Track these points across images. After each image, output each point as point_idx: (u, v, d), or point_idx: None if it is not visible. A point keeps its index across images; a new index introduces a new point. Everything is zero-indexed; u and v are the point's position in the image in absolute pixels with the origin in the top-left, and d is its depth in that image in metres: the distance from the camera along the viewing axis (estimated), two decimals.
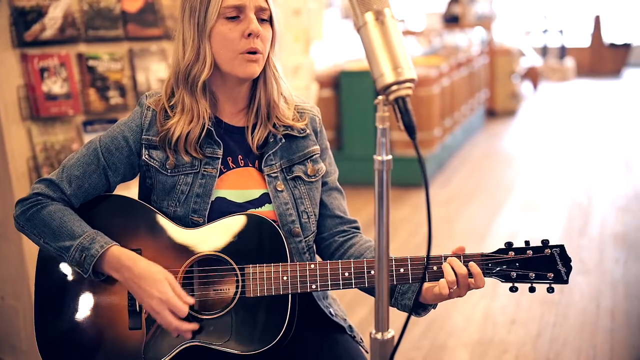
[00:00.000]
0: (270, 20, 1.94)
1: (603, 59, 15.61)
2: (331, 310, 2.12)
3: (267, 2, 1.92)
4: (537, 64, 13.56)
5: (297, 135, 2.04)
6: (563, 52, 15.06)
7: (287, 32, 5.32)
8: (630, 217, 5.98)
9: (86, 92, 3.29)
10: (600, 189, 6.85)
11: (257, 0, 1.89)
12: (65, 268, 1.95)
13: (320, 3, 6.16)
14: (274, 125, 2.01)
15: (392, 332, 1.39)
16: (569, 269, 1.84)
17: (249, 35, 1.87)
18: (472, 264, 1.83)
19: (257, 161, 2.02)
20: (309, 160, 2.05)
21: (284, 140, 2.02)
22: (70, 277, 1.95)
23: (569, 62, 14.94)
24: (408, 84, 1.30)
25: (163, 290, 1.82)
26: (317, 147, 2.08)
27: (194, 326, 1.86)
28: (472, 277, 1.83)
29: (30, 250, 3.05)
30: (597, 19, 15.61)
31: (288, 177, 2.01)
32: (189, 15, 1.91)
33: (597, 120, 10.43)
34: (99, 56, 3.32)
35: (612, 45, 15.67)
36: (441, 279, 1.83)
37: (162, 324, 1.85)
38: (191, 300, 1.85)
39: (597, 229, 5.69)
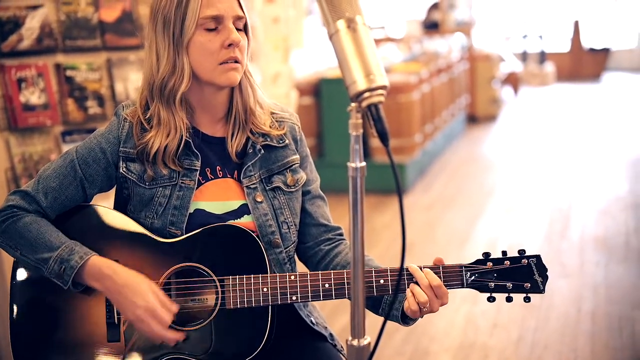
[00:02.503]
0: (244, 29, 1.94)
1: (582, 64, 15.70)
2: (312, 318, 2.12)
3: (242, 10, 1.91)
4: (517, 69, 13.62)
5: (277, 145, 2.03)
6: (543, 57, 15.14)
7: (266, 40, 5.33)
8: (611, 220, 6.01)
9: (64, 103, 3.27)
10: (581, 193, 6.89)
11: (234, 9, 1.88)
12: (41, 280, 1.92)
13: (300, 11, 6.18)
14: (252, 132, 2.01)
15: (368, 339, 1.40)
16: (545, 278, 1.87)
17: (229, 45, 1.87)
18: (427, 271, 1.84)
19: (235, 171, 2.01)
20: (288, 170, 2.04)
21: (263, 152, 2.01)
22: (46, 290, 1.92)
23: (549, 67, 15.02)
24: (380, 91, 1.31)
25: (148, 300, 1.81)
26: (297, 156, 2.07)
27: (179, 335, 1.85)
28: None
29: (9, 259, 3.02)
30: (576, 24, 15.71)
31: (267, 188, 2.01)
32: (162, 27, 1.88)
33: (577, 124, 10.49)
34: (77, 66, 3.31)
35: (592, 50, 15.76)
36: (410, 297, 1.84)
37: (146, 332, 1.83)
38: (175, 309, 1.84)
39: (577, 233, 5.72)
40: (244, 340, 1.87)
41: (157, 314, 1.81)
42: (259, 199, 1.98)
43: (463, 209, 6.57)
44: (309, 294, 1.87)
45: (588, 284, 4.67)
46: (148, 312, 1.80)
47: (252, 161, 1.99)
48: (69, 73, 3.29)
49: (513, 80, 13.27)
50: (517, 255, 1.87)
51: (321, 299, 1.88)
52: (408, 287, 1.85)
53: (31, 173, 3.12)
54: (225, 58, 1.87)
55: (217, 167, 1.99)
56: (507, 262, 1.87)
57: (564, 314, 4.24)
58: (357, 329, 1.38)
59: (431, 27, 11.46)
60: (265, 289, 1.86)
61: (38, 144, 3.19)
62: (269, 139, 2.02)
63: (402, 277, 1.85)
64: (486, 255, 1.89)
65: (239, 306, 1.86)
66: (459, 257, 5.02)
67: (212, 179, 1.99)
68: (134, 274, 1.85)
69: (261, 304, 1.86)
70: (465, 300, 4.37)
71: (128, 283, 1.83)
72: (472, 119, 11.03)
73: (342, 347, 2.15)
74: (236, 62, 1.89)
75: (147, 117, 1.95)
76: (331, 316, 4.05)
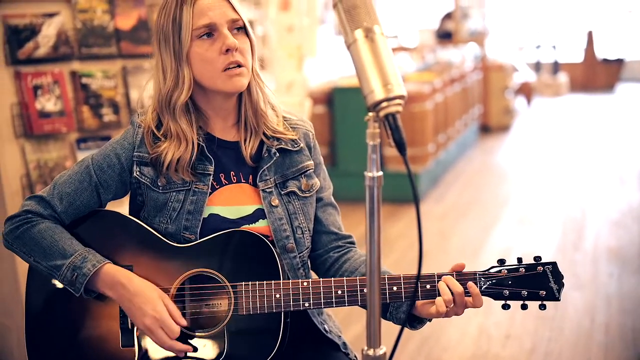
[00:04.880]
0: (245, 29, 1.94)
1: (596, 74, 15.66)
2: (326, 326, 2.11)
3: (237, 12, 1.91)
4: (531, 80, 13.60)
5: (291, 149, 2.03)
6: (556, 67, 15.10)
7: (281, 48, 5.34)
8: (624, 231, 5.98)
9: (79, 110, 3.29)
10: (594, 204, 6.87)
11: (226, 14, 1.89)
12: (56, 286, 1.94)
13: (314, 20, 6.19)
14: (265, 135, 2.01)
15: (384, 349, 1.39)
16: (561, 286, 1.84)
17: (227, 51, 1.88)
18: (470, 285, 1.83)
19: (250, 176, 2.01)
20: (302, 176, 2.05)
21: (278, 155, 2.02)
22: (60, 295, 1.94)
23: (562, 78, 14.99)
24: (398, 101, 1.31)
25: (158, 310, 1.82)
26: (311, 162, 2.07)
27: (186, 347, 1.86)
28: (469, 296, 1.84)
29: (24, 268, 3.02)
30: (590, 34, 15.67)
31: (282, 192, 2.01)
32: (164, 44, 1.91)
33: (591, 135, 10.45)
34: (93, 74, 3.33)
35: (605, 61, 15.72)
36: (438, 298, 1.83)
37: (155, 341, 1.85)
38: (184, 322, 1.86)
39: (591, 244, 5.70)
40: (256, 346, 1.88)
41: (165, 324, 1.82)
42: (274, 203, 1.99)
43: (476, 219, 6.56)
44: (322, 301, 1.87)
45: (601, 295, 4.65)
46: (157, 321, 1.82)
47: (268, 165, 2.00)
48: (84, 80, 3.30)
49: (526, 91, 13.26)
50: (533, 262, 1.86)
51: (334, 305, 1.88)
52: (421, 294, 1.85)
53: (46, 180, 3.13)
54: (226, 64, 1.88)
55: (232, 172, 2.00)
56: (522, 269, 1.85)
57: (577, 325, 4.22)
58: (372, 338, 1.38)
59: (444, 36, 11.47)
60: (277, 296, 1.87)
61: (53, 151, 3.20)
62: (283, 143, 2.02)
63: (423, 285, 1.85)
64: (501, 262, 1.88)
65: (251, 312, 1.87)
66: (472, 267, 4.95)
67: (226, 184, 1.99)
68: (147, 283, 1.87)
69: (274, 310, 1.87)
70: (477, 311, 4.35)
71: (139, 292, 1.84)
72: (485, 129, 11.02)
73: (355, 356, 2.15)
74: (239, 66, 1.90)
75: (161, 132, 1.96)
76: (343, 325, 4.03)
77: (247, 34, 1.95)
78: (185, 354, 1.87)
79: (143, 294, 1.84)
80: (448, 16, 11.70)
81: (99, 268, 1.86)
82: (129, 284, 1.85)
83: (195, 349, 1.88)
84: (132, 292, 1.84)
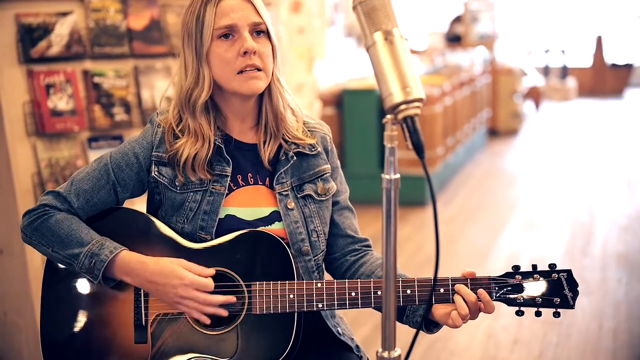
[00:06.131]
0: (267, 33, 1.95)
1: (605, 79, 15.64)
2: (339, 329, 2.12)
3: (260, 16, 1.92)
4: (539, 84, 13.59)
5: (309, 153, 2.04)
6: (565, 72, 15.09)
7: (291, 50, 5.34)
8: (633, 237, 5.97)
9: (91, 109, 3.30)
10: (603, 209, 6.85)
11: (248, 17, 1.90)
12: (72, 282, 1.95)
13: (324, 22, 6.19)
14: (284, 140, 2.01)
15: (398, 351, 1.39)
16: (575, 293, 1.84)
17: (245, 53, 1.88)
18: (481, 292, 1.83)
19: (267, 179, 2.02)
20: (319, 179, 2.05)
21: (295, 158, 2.02)
22: (76, 291, 1.95)
23: (571, 82, 14.97)
24: (416, 104, 1.31)
25: (182, 276, 1.84)
26: (328, 166, 2.07)
27: (229, 298, 1.86)
28: (481, 301, 1.83)
29: (34, 266, 3.05)
30: (599, 39, 15.66)
31: (299, 196, 2.01)
32: (187, 41, 1.93)
33: (599, 140, 10.44)
34: (105, 73, 3.34)
35: (614, 66, 15.70)
36: (453, 312, 1.82)
37: (195, 307, 1.85)
38: (211, 271, 1.87)
39: (599, 249, 5.68)
40: (269, 345, 1.88)
41: (197, 284, 1.83)
42: (290, 206, 1.99)
43: (484, 223, 6.55)
44: (335, 302, 1.87)
45: (610, 301, 4.64)
46: (188, 286, 1.83)
47: (285, 168, 2.00)
48: (96, 80, 3.31)
49: (535, 95, 13.24)
50: (548, 269, 1.85)
51: (347, 307, 1.88)
52: (435, 298, 1.85)
53: (57, 178, 3.14)
54: (243, 66, 1.89)
55: (249, 174, 2.01)
56: (537, 276, 1.85)
57: (585, 331, 4.21)
58: (388, 341, 1.37)
59: (454, 40, 11.46)
60: (291, 296, 1.87)
61: (65, 150, 3.21)
62: (301, 147, 2.03)
63: (436, 289, 1.84)
64: (515, 268, 1.87)
65: (265, 312, 1.87)
66: (480, 271, 4.93)
67: (243, 185, 2.00)
68: (159, 259, 1.88)
69: (287, 310, 1.87)
70: (486, 315, 4.33)
71: (156, 271, 1.85)
72: (493, 133, 11.01)
73: (368, 359, 2.15)
74: (258, 69, 1.90)
75: (179, 128, 1.97)
76: (352, 326, 4.01)
77: (269, 38, 1.95)
78: (199, 349, 1.88)
79: (161, 270, 1.85)
80: (457, 19, 11.70)
81: (116, 254, 1.87)
82: (146, 267, 1.86)
83: (207, 344, 1.89)
84: (151, 273, 1.85)
